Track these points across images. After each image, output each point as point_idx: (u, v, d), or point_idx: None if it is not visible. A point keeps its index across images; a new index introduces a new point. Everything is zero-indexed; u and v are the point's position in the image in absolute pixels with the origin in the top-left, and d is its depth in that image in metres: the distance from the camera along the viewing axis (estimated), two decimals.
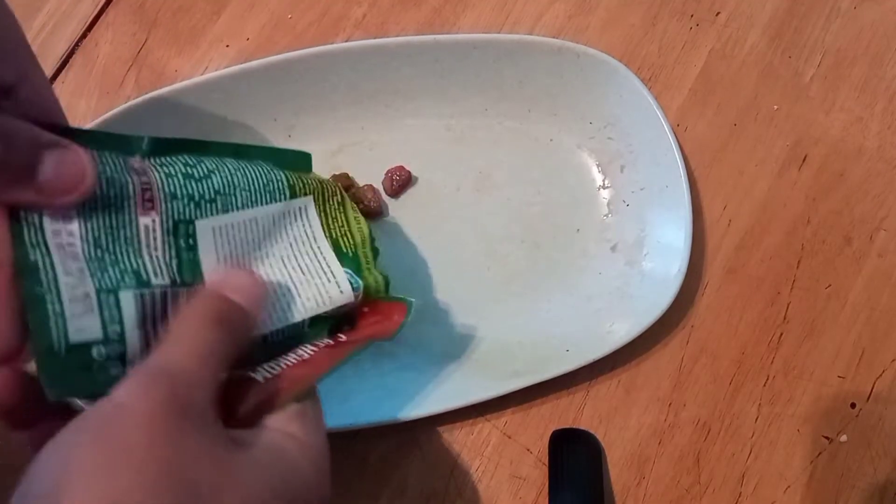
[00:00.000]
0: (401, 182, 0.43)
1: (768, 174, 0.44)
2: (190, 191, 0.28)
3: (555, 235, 0.43)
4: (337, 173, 0.43)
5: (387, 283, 0.35)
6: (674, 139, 0.41)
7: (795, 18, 0.46)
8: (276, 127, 0.44)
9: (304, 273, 0.31)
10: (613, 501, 0.39)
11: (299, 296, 0.30)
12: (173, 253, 0.27)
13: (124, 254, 0.26)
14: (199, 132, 0.42)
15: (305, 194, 0.32)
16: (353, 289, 0.31)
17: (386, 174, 0.43)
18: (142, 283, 0.25)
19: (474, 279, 0.42)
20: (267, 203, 0.30)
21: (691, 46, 0.46)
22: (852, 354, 0.41)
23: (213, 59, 0.46)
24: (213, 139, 0.31)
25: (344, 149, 0.44)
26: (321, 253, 0.31)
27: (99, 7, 0.48)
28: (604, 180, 0.44)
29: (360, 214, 0.35)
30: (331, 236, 0.32)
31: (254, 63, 0.42)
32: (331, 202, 0.34)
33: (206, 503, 0.22)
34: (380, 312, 0.33)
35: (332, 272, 0.31)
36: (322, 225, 0.32)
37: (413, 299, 0.33)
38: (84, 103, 0.46)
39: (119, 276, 0.25)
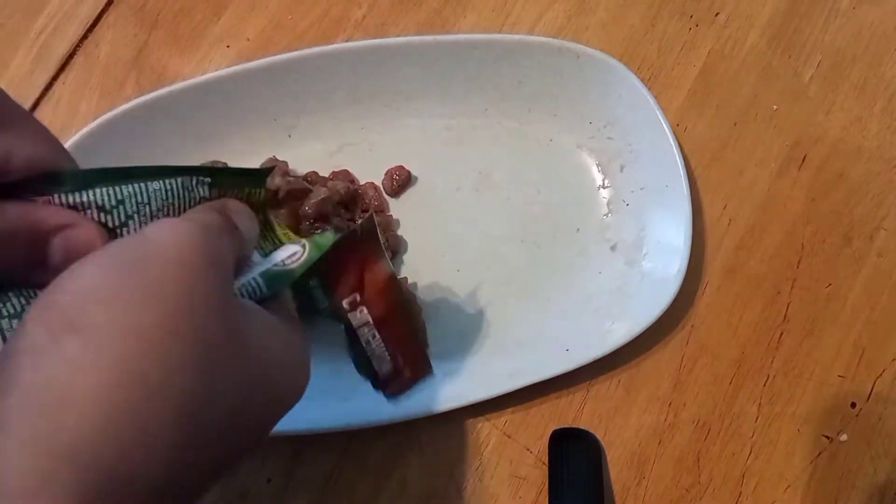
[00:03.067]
0: (401, 182, 0.43)
1: (768, 174, 0.44)
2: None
3: (555, 235, 0.43)
4: (337, 170, 0.43)
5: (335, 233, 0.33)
6: (673, 139, 0.41)
7: (795, 19, 0.46)
8: (277, 127, 0.44)
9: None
10: (613, 501, 0.39)
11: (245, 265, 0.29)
12: None
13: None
14: (200, 133, 0.43)
15: None
16: (297, 244, 0.30)
17: (386, 174, 0.43)
18: None
19: (474, 279, 0.42)
20: None
21: (691, 47, 0.46)
22: (852, 354, 0.41)
23: (213, 60, 0.47)
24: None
25: (344, 149, 0.44)
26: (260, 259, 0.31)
27: (100, 8, 0.48)
28: (603, 180, 0.44)
29: (289, 232, 0.34)
30: (266, 253, 0.31)
31: (254, 63, 0.42)
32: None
33: (224, 353, 0.22)
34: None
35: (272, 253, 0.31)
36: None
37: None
38: (85, 104, 0.46)
39: None
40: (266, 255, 0.31)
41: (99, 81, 0.46)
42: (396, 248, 0.43)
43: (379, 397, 0.39)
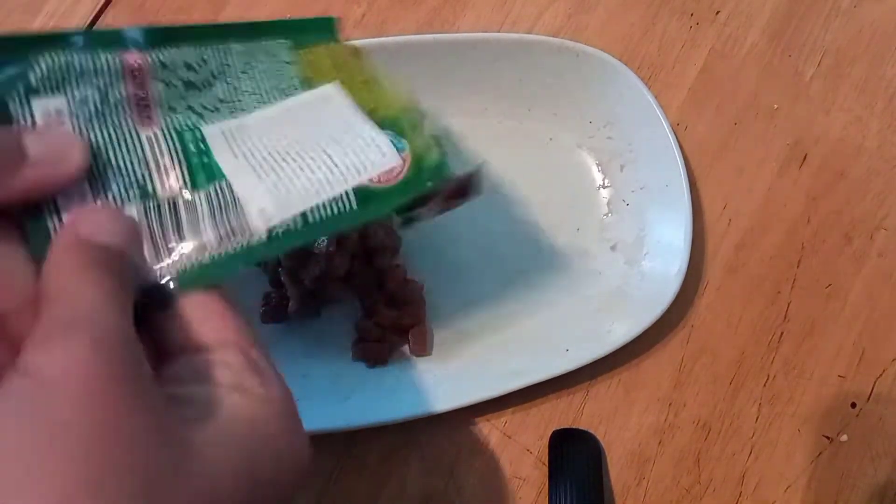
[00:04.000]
0: None
1: (768, 173, 0.44)
2: (191, 102, 0.27)
3: (554, 235, 0.43)
4: None
5: (439, 143, 0.30)
6: (673, 138, 0.41)
7: (795, 17, 0.46)
8: None
9: (340, 146, 0.27)
10: (613, 501, 0.39)
11: (336, 166, 0.27)
12: (184, 159, 0.26)
13: (128, 167, 0.25)
14: None
15: (323, 83, 0.29)
16: (398, 150, 0.28)
17: None
18: (146, 195, 0.24)
19: (473, 279, 0.42)
20: (279, 100, 0.28)
21: (691, 45, 0.46)
22: (853, 354, 0.41)
23: None
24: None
25: None
26: (356, 125, 0.28)
27: (98, 7, 0.48)
28: (603, 179, 0.44)
29: (397, 85, 0.31)
30: (365, 108, 0.29)
31: None
32: (354, 82, 0.30)
33: (165, 495, 0.18)
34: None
35: (370, 137, 0.28)
36: (354, 103, 0.29)
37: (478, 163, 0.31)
38: None
39: (123, 191, 0.24)
40: (367, 111, 0.29)
41: None
42: (396, 248, 0.42)
43: (378, 397, 0.39)
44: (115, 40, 0.26)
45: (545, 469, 0.39)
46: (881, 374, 0.41)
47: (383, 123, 0.29)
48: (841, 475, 0.39)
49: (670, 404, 0.40)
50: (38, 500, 0.17)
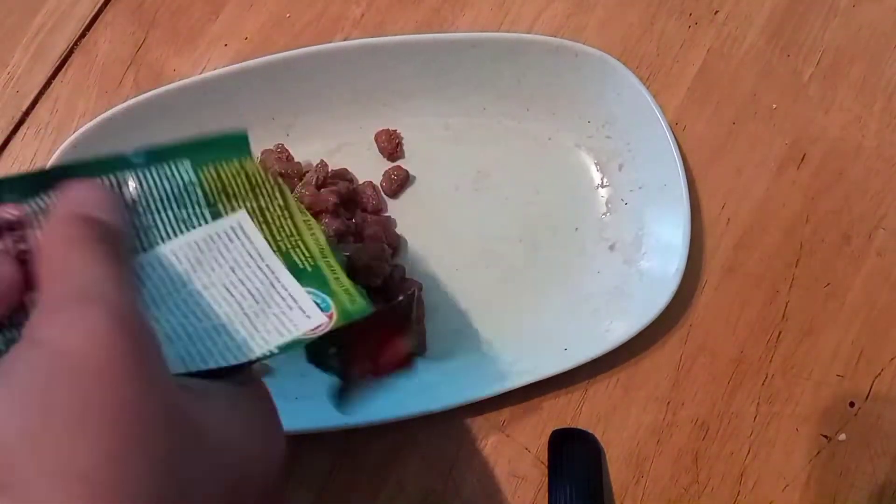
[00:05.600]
0: (399, 182, 0.43)
1: (767, 173, 0.44)
2: None
3: (553, 234, 0.43)
4: (335, 169, 0.43)
5: (365, 296, 0.28)
6: (672, 138, 0.41)
7: (794, 17, 0.46)
8: (274, 126, 0.44)
9: (256, 301, 0.26)
10: (612, 500, 0.39)
11: (256, 329, 0.25)
12: None
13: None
14: (197, 132, 0.42)
15: (233, 209, 0.27)
16: (323, 310, 0.26)
17: (384, 174, 0.43)
18: None
19: (472, 278, 0.42)
20: (184, 233, 0.26)
21: (690, 45, 0.46)
22: (851, 353, 0.41)
23: (211, 59, 0.46)
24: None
25: (342, 148, 0.44)
26: (272, 273, 0.26)
27: (97, 6, 0.48)
28: (602, 179, 0.44)
29: (310, 217, 0.29)
30: (279, 250, 0.27)
31: (252, 62, 0.42)
32: (271, 208, 0.28)
33: (183, 455, 0.19)
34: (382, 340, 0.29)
35: (290, 295, 0.26)
36: (266, 238, 0.27)
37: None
38: (83, 103, 0.46)
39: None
40: (279, 252, 0.27)
41: (97, 80, 0.46)
42: (396, 247, 0.42)
43: (377, 396, 0.39)
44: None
45: (544, 468, 0.39)
46: (879, 374, 0.41)
47: (302, 275, 0.27)
48: (839, 474, 0.39)
49: (669, 403, 0.40)
50: (67, 474, 0.17)
